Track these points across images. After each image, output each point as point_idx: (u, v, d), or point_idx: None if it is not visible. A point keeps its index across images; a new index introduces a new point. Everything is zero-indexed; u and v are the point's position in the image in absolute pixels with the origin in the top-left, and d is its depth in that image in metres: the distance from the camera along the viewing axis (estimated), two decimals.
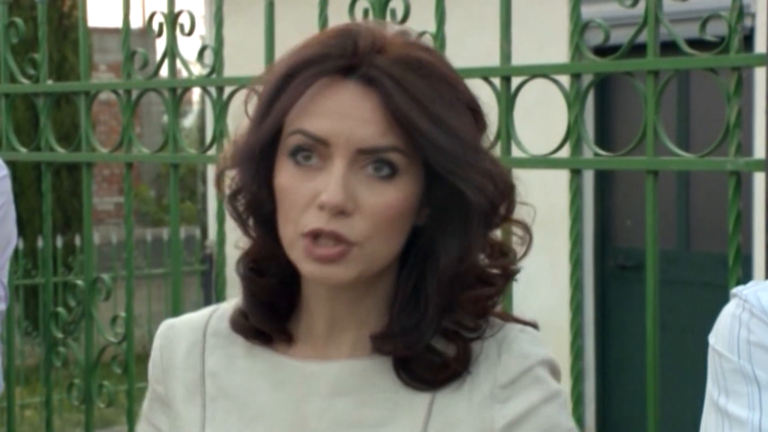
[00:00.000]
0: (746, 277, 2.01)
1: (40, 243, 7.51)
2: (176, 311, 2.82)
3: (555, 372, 1.28)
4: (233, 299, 1.38)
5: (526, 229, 1.31)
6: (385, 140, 1.22)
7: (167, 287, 7.84)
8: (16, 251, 2.48)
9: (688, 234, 6.40)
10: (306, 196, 1.23)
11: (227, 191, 1.31)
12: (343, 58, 1.24)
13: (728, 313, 1.36)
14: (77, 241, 7.59)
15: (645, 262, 2.15)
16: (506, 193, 1.28)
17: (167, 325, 1.40)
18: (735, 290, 1.38)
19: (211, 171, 8.42)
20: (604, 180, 6.55)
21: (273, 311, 1.32)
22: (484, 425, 1.25)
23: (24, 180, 8.84)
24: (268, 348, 1.33)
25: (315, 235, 1.22)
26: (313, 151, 1.23)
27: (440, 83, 1.24)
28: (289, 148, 1.24)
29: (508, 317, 1.31)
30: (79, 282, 3.06)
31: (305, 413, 1.29)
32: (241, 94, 2.73)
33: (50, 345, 3.07)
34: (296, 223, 1.23)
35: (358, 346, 1.30)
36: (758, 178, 4.97)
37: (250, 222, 1.30)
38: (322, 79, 1.24)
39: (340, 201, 1.21)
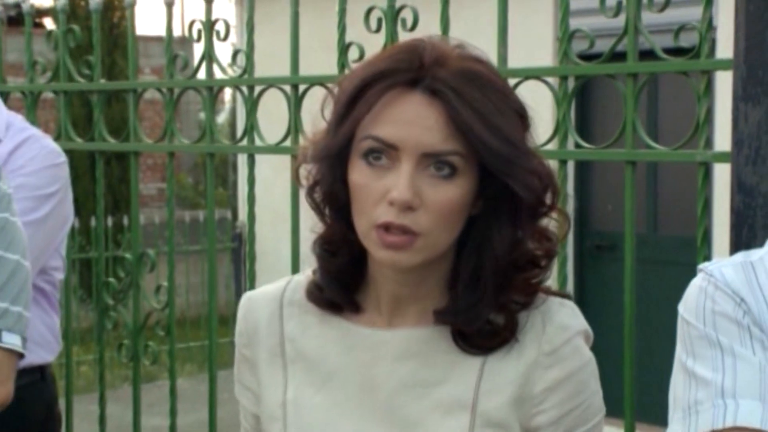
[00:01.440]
0: (708, 256, 2.00)
1: (93, 222, 7.53)
2: (211, 282, 2.83)
3: (588, 339, 1.31)
4: (305, 271, 1.39)
5: (565, 216, 1.33)
6: (447, 145, 1.23)
7: (203, 262, 7.90)
8: (72, 229, 2.48)
9: (656, 219, 6.39)
10: (377, 192, 1.24)
11: (305, 183, 1.33)
12: (410, 71, 1.25)
13: (695, 285, 1.35)
14: (125, 221, 7.61)
15: (619, 243, 2.15)
16: (550, 187, 1.29)
17: (246, 297, 1.42)
18: (701, 266, 1.36)
19: (241, 161, 8.46)
20: (583, 170, 6.54)
21: (344, 285, 1.33)
22: (526, 386, 1.28)
23: (79, 167, 8.83)
24: (338, 316, 1.34)
25: (386, 227, 1.23)
26: (384, 153, 1.24)
27: (493, 93, 1.25)
28: (362, 151, 1.25)
29: (548, 290, 1.33)
30: (128, 256, 3.05)
31: (373, 375, 1.30)
32: (269, 93, 2.71)
33: (102, 310, 3.06)
34: (369, 216, 1.25)
35: (420, 318, 1.31)
36: (718, 168, 4.95)
37: (326, 211, 1.32)
38: (392, 90, 1.25)
39: (408, 198, 1.22)
